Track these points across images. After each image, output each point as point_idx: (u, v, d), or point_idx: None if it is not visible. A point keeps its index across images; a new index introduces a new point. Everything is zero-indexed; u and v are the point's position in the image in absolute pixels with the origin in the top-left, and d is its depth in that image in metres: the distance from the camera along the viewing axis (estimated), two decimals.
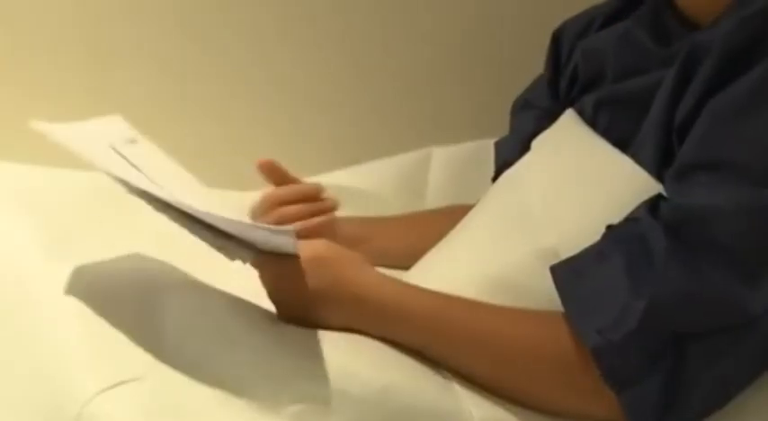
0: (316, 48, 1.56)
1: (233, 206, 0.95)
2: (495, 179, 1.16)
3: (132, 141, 0.92)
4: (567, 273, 0.85)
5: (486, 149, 1.26)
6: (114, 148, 0.90)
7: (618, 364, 0.79)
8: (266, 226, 0.88)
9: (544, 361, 0.84)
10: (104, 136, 0.91)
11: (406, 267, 1.07)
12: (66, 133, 0.87)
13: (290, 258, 0.86)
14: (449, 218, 1.10)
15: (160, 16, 1.47)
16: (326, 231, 1.03)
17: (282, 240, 0.84)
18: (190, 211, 0.82)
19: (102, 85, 1.46)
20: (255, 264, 0.88)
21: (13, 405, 0.75)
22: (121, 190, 1.11)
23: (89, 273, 0.85)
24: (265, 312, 0.86)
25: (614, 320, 0.79)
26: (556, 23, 1.16)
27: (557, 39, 1.15)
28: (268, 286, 0.88)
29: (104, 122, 0.96)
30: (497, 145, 1.21)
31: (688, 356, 0.80)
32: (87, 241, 0.97)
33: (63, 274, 0.84)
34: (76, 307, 0.79)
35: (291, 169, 1.05)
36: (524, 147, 1.08)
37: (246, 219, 0.92)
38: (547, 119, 1.09)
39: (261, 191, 1.07)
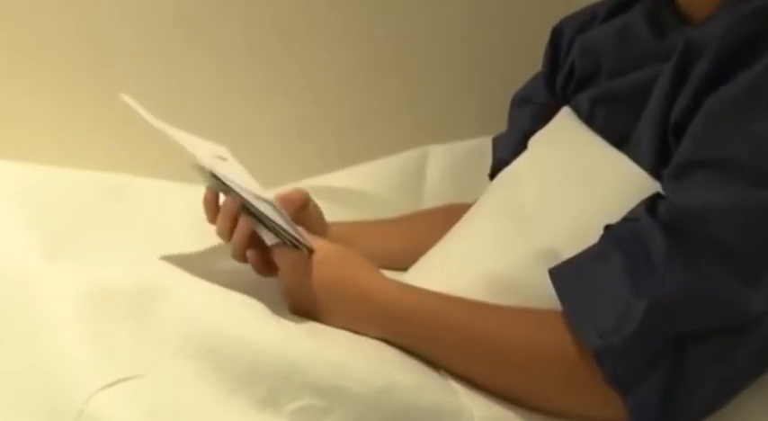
0: (315, 47, 1.56)
1: None
2: (492, 176, 1.16)
3: (222, 159, 1.00)
4: (565, 276, 0.85)
5: (483, 147, 1.26)
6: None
7: (620, 367, 0.79)
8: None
9: (545, 362, 0.84)
10: (193, 141, 1.00)
11: (402, 268, 1.08)
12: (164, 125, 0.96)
13: (306, 252, 0.92)
14: (446, 217, 1.11)
15: (161, 16, 1.47)
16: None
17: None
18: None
19: (103, 86, 1.45)
20: (277, 254, 0.92)
21: (14, 404, 0.75)
22: (122, 190, 1.12)
23: (89, 272, 0.84)
24: (265, 310, 0.87)
25: (615, 322, 0.79)
26: (556, 21, 1.16)
27: (556, 34, 1.15)
28: (283, 276, 0.93)
29: (207, 142, 1.03)
30: (495, 141, 1.22)
31: (689, 356, 0.80)
32: (87, 240, 0.97)
33: (63, 274, 0.84)
34: (76, 306, 0.79)
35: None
36: (521, 145, 1.09)
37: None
38: (543, 115, 1.09)
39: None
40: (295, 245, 0.92)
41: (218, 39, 1.51)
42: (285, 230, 0.92)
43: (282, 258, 0.93)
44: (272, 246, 0.92)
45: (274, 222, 0.92)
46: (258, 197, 0.93)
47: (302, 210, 1.01)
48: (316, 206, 1.04)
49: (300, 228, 0.95)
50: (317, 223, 1.03)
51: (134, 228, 1.05)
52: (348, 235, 1.07)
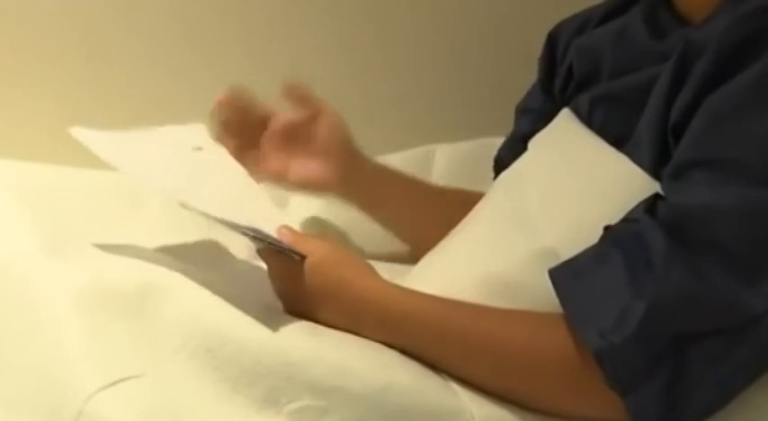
0: (314, 48, 1.56)
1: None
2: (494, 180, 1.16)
3: (198, 149, 0.99)
4: (565, 276, 0.85)
5: (489, 147, 1.26)
6: (174, 154, 0.96)
7: (621, 367, 0.79)
8: (281, 244, 0.92)
9: (546, 364, 0.84)
10: (166, 143, 0.98)
11: (406, 253, 1.08)
12: (106, 141, 0.95)
13: (298, 258, 0.90)
14: (463, 205, 1.09)
15: (160, 17, 1.48)
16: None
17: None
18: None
19: (103, 86, 1.46)
20: (265, 259, 0.92)
21: (14, 403, 0.75)
22: (123, 189, 1.12)
23: (89, 271, 0.84)
24: (265, 310, 0.87)
25: (615, 322, 0.79)
26: (556, 22, 1.16)
27: (552, 38, 1.15)
28: (275, 282, 0.92)
29: (182, 129, 1.02)
30: (499, 149, 1.22)
31: (689, 357, 0.79)
32: (88, 240, 0.97)
33: (63, 273, 0.84)
34: (76, 305, 0.79)
35: None
36: (521, 148, 1.08)
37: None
38: (542, 120, 1.09)
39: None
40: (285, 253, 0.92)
41: (215, 39, 1.51)
42: (273, 241, 0.91)
43: (271, 262, 0.93)
44: (258, 249, 0.92)
45: (262, 234, 0.90)
46: (236, 224, 0.90)
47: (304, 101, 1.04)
48: (340, 126, 1.09)
49: (289, 233, 0.93)
50: (345, 147, 1.08)
51: (135, 227, 1.05)
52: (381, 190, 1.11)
